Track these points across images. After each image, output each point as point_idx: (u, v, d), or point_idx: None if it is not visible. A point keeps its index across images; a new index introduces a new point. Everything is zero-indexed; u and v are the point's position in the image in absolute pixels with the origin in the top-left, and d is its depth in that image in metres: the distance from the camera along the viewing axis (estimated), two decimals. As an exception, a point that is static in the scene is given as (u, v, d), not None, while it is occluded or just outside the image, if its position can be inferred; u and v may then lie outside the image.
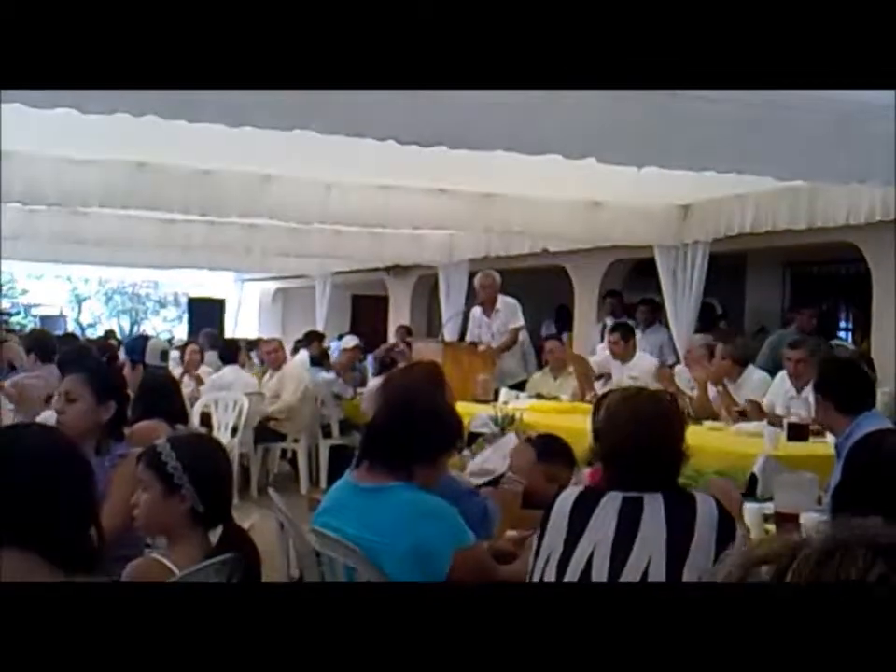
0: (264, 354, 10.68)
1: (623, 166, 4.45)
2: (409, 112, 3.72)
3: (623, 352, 8.41)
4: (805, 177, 5.43)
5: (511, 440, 4.25)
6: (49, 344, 8.00)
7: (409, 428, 3.34)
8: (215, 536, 2.96)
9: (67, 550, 2.16)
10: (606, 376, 8.70)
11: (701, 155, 4.34)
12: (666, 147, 4.23)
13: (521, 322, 9.76)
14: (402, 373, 4.49)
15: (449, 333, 10.77)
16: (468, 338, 9.95)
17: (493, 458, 4.15)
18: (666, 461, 2.84)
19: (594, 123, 4.00)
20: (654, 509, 2.71)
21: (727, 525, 2.73)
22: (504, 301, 9.69)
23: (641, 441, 2.80)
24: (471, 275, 10.43)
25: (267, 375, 10.57)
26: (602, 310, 11.20)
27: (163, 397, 5.56)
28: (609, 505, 2.76)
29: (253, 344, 11.89)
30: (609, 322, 9.99)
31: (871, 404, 4.55)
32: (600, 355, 8.94)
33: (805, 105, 4.10)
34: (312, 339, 12.11)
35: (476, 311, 9.88)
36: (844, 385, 4.55)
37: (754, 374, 7.46)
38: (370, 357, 12.77)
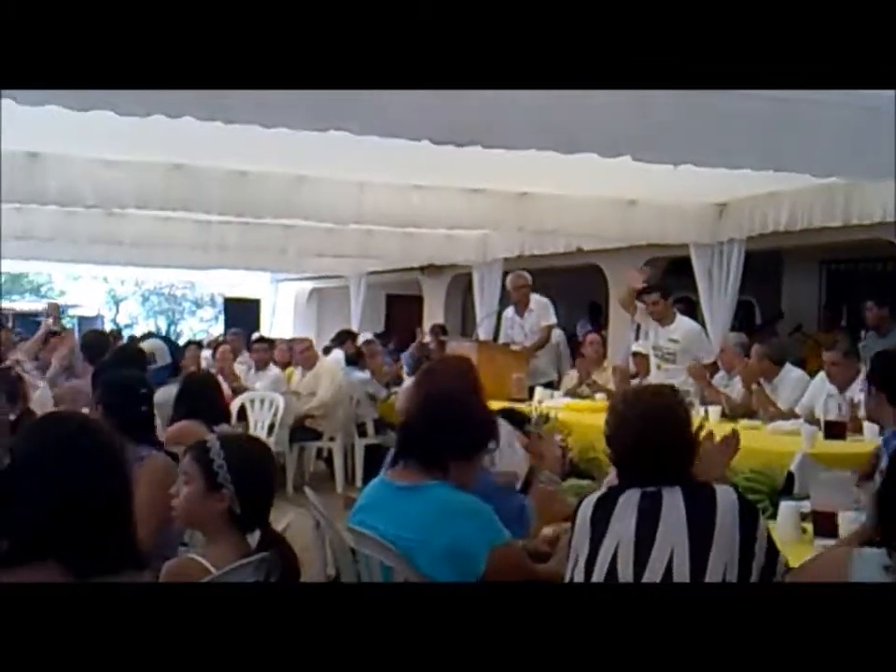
0: (296, 353, 10.70)
1: (659, 164, 4.43)
2: (443, 112, 3.73)
3: (662, 312, 8.30)
4: (840, 174, 5.39)
5: (509, 434, 4.23)
6: (102, 348, 8.08)
7: (444, 426, 3.34)
8: (254, 540, 2.96)
9: (107, 552, 2.16)
10: (642, 374, 8.68)
11: (737, 153, 4.32)
12: (702, 145, 4.21)
13: (553, 320, 9.75)
14: (436, 371, 4.48)
15: (483, 333, 10.76)
16: (500, 338, 9.96)
17: (506, 461, 4.13)
18: (678, 453, 2.87)
19: (628, 122, 3.99)
20: (673, 501, 2.72)
21: (749, 514, 2.74)
22: (537, 301, 9.68)
23: (650, 438, 2.84)
24: (505, 274, 10.43)
25: (299, 374, 10.61)
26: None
27: (204, 397, 5.59)
28: (628, 501, 2.78)
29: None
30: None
31: None
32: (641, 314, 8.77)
33: (841, 101, 4.08)
34: (345, 338, 12.15)
35: (509, 311, 9.87)
36: None
37: (791, 373, 7.41)
38: (404, 356, 12.80)
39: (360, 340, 12.14)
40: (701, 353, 8.14)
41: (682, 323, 8.34)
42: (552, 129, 3.97)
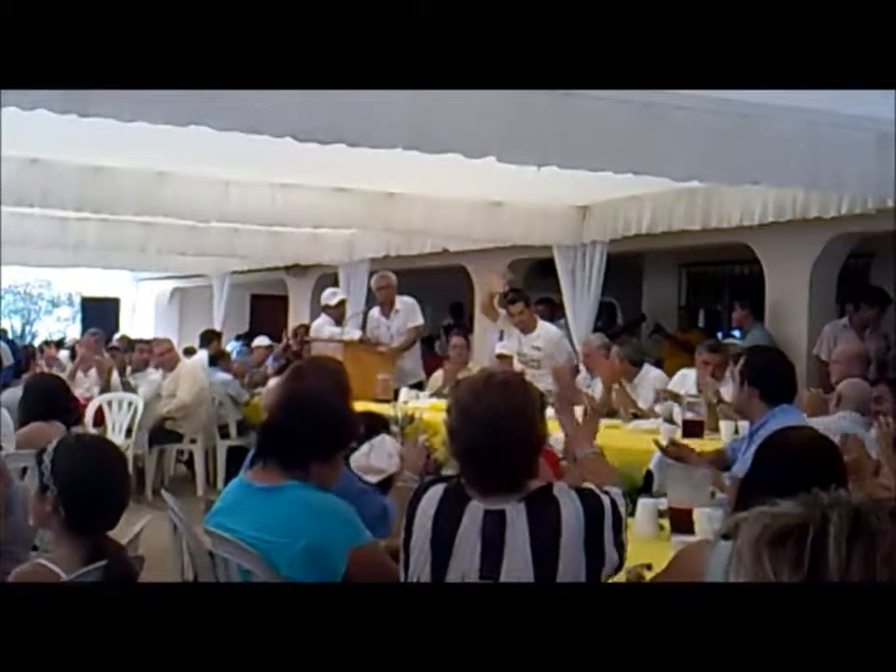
0: (156, 355, 10.41)
1: (523, 166, 4.46)
2: (306, 109, 3.68)
3: (525, 319, 8.41)
4: (700, 178, 5.49)
5: (384, 441, 4.24)
6: None
7: (304, 426, 3.29)
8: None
9: None
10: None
11: (598, 155, 4.38)
12: (565, 147, 4.25)
13: (420, 321, 9.77)
14: (302, 370, 4.43)
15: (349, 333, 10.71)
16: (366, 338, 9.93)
17: (375, 457, 4.14)
18: (526, 452, 2.73)
19: (493, 122, 4.01)
20: (517, 526, 2.63)
21: (594, 512, 2.67)
22: (403, 301, 9.69)
23: (497, 438, 2.67)
24: (372, 275, 10.41)
25: (159, 376, 10.38)
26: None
27: (54, 399, 5.46)
28: (471, 525, 2.67)
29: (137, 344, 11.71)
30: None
31: (791, 397, 4.57)
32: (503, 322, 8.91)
33: (701, 106, 4.17)
34: (210, 339, 11.96)
35: (374, 311, 9.86)
36: (773, 376, 4.53)
37: (650, 373, 7.58)
38: (269, 358, 12.66)
39: (263, 342, 12.14)
40: (563, 358, 8.26)
41: (544, 330, 8.48)
42: (416, 128, 3.95)
